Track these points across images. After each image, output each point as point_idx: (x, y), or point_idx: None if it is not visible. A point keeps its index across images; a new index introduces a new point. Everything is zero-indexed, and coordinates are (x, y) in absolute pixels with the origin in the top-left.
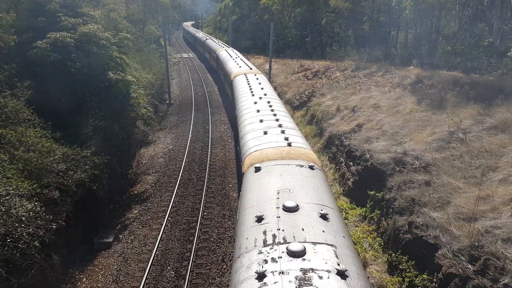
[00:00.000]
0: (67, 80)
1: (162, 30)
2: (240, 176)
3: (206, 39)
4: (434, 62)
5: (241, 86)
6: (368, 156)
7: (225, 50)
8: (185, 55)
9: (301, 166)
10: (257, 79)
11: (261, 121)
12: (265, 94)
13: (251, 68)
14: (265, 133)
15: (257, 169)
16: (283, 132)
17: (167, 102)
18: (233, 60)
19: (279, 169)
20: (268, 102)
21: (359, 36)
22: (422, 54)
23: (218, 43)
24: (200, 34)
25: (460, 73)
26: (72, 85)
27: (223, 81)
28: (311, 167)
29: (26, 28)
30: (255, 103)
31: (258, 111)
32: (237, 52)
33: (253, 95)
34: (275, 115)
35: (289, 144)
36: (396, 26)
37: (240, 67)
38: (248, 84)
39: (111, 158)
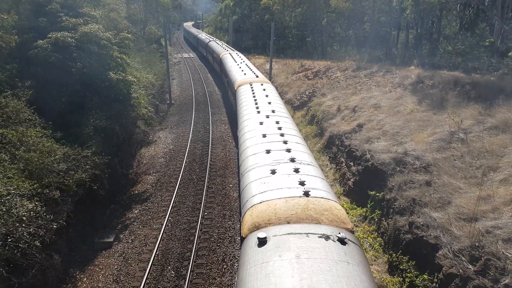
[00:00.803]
0: (68, 80)
1: (163, 30)
2: (240, 237)
3: (209, 41)
4: (435, 62)
5: (245, 99)
6: (369, 156)
7: (229, 53)
8: (185, 55)
9: (327, 237)
10: (264, 90)
11: (267, 152)
12: (273, 111)
13: (257, 76)
14: (273, 172)
15: (262, 242)
16: (296, 171)
17: (168, 102)
18: (237, 65)
19: (294, 244)
20: (277, 122)
21: (360, 36)
22: (423, 54)
23: (222, 46)
24: (202, 36)
25: (461, 73)
26: (73, 85)
27: (226, 87)
28: (342, 241)
29: (27, 29)
30: (261, 123)
31: (264, 135)
32: (242, 56)
33: (258, 112)
34: (285, 142)
35: (307, 194)
36: (397, 26)
37: (245, 74)
38: (254, 96)
39: (112, 158)
